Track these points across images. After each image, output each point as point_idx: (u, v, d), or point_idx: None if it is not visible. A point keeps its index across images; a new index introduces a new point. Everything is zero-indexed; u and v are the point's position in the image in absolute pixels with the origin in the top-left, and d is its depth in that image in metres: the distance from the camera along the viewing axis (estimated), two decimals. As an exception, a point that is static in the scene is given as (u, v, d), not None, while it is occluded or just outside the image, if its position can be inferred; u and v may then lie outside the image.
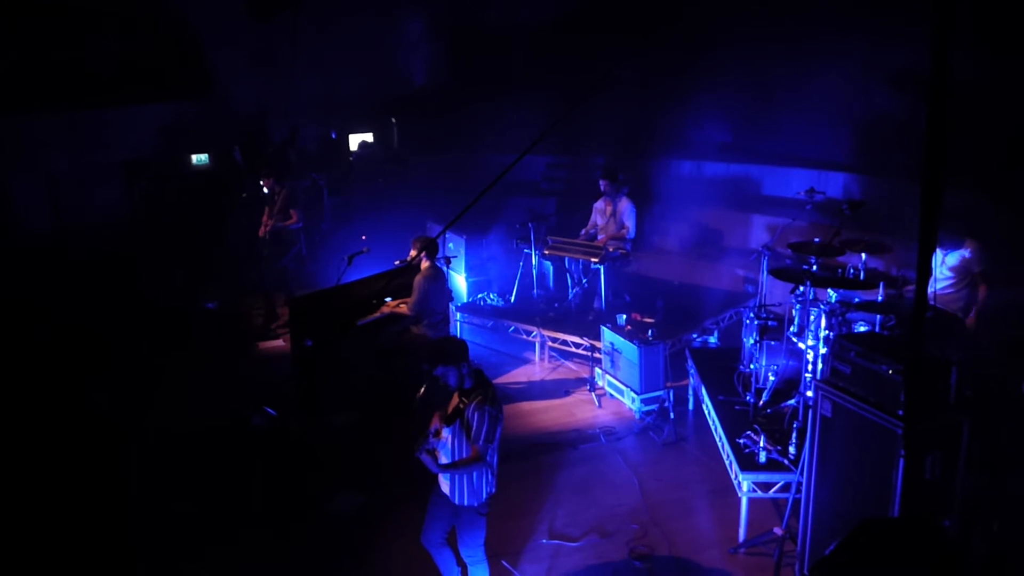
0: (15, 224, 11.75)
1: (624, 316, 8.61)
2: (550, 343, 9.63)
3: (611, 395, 8.63)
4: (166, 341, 9.55)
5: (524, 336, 9.82)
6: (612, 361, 8.53)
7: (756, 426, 6.56)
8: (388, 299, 8.56)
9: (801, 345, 6.68)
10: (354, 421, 8.06)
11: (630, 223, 9.87)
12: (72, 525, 6.22)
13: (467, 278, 10.63)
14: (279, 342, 10.07)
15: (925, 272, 2.81)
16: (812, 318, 6.55)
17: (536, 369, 9.57)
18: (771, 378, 7.11)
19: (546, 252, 10.00)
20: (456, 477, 4.93)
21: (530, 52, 13.58)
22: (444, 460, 4.93)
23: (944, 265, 7.10)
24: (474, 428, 4.83)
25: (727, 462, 6.54)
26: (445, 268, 8.95)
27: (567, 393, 8.85)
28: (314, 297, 8.65)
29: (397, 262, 9.14)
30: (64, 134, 12.32)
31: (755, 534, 6.07)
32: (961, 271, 7.06)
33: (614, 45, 12.44)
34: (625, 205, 9.93)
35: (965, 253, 7.03)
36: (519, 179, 13.56)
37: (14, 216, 11.82)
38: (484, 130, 13.03)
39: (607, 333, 8.55)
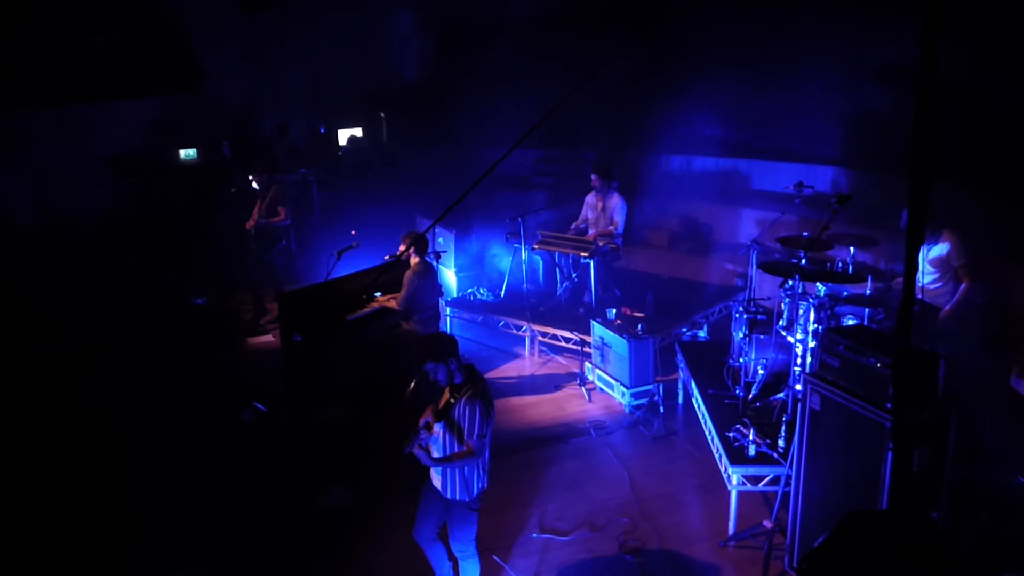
0: (2, 219, 11.68)
1: (614, 310, 8.62)
2: (540, 338, 9.63)
3: (601, 389, 8.64)
4: (154, 337, 9.51)
5: (514, 331, 9.81)
6: (602, 355, 8.55)
7: (745, 420, 6.58)
8: (378, 294, 8.55)
9: (790, 339, 6.70)
10: (345, 416, 8.05)
11: (619, 219, 9.87)
12: (62, 523, 6.19)
13: (457, 273, 10.62)
14: (268, 337, 10.04)
15: (912, 266, 2.82)
16: (801, 312, 6.56)
17: (526, 364, 9.57)
18: (760, 372, 7.13)
19: (536, 246, 9.99)
20: (448, 472, 4.94)
21: (520, 46, 13.57)
22: (436, 454, 4.93)
23: (926, 260, 7.12)
24: (466, 425, 4.84)
25: (717, 456, 6.56)
26: (435, 263, 8.94)
27: (557, 388, 8.86)
28: (303, 292, 8.63)
29: (387, 257, 9.13)
30: (52, 129, 12.25)
31: (744, 527, 6.09)
32: (942, 265, 7.09)
33: (604, 39, 12.44)
34: (616, 201, 9.94)
35: (944, 246, 7.06)
36: (509, 173, 13.58)
37: (1, 211, 11.74)
38: (474, 124, 13.02)
39: (597, 327, 8.56)
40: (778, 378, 7.02)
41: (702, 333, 9.60)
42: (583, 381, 8.80)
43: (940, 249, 7.07)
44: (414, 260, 8.19)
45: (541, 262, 10.52)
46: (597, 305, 9.44)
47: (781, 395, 6.81)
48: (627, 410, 8.18)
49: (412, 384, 5.12)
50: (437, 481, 5.03)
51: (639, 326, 8.25)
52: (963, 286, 7.01)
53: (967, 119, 8.00)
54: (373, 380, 8.12)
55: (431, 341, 5.14)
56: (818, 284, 6.75)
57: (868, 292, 6.80)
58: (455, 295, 10.52)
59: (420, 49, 15.81)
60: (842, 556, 2.35)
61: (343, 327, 8.26)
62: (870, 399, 4.79)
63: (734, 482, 6.09)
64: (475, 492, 5.01)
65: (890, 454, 4.54)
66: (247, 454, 7.30)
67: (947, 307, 7.03)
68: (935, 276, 7.13)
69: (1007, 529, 5.27)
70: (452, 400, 4.89)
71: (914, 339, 3.51)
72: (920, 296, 6.68)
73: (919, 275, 3.15)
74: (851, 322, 6.56)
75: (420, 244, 8.17)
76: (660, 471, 7.13)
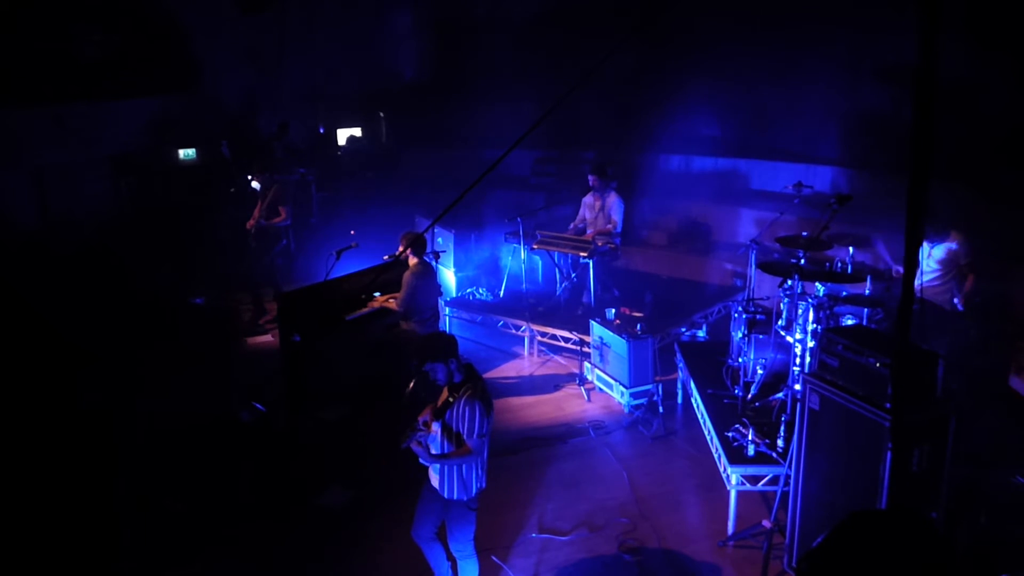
0: (1, 218, 11.66)
1: (613, 310, 8.61)
2: (539, 338, 9.63)
3: (600, 389, 8.64)
4: (153, 336, 9.50)
5: (513, 331, 9.81)
6: (601, 355, 8.54)
7: (744, 419, 6.57)
8: (377, 294, 8.54)
9: (789, 339, 6.70)
10: (343, 416, 8.04)
11: (617, 217, 9.86)
12: (58, 522, 6.19)
13: (456, 273, 10.62)
14: (267, 337, 10.04)
15: (912, 265, 2.81)
16: (800, 312, 6.56)
17: (525, 364, 9.57)
18: (759, 372, 7.13)
19: (535, 246, 9.99)
20: (446, 472, 4.93)
21: (519, 46, 13.57)
22: (435, 452, 4.93)
23: (931, 258, 7.16)
24: (465, 424, 4.83)
25: (716, 456, 6.56)
26: (434, 263, 8.93)
27: (556, 387, 8.86)
28: (302, 292, 8.62)
29: (386, 257, 9.12)
30: (51, 128, 12.23)
31: (744, 527, 6.09)
32: (948, 263, 7.13)
33: (603, 39, 12.44)
34: (613, 200, 9.93)
35: (951, 245, 7.10)
36: (508, 173, 13.59)
37: (0, 211, 11.73)
38: (473, 124, 13.02)
39: (596, 327, 8.56)
40: (777, 378, 7.02)
41: (701, 333, 9.60)
42: (582, 381, 8.79)
43: (945, 248, 7.11)
44: (412, 260, 8.17)
45: (540, 262, 10.52)
46: (596, 305, 9.44)
47: (780, 395, 6.81)
48: (626, 410, 8.17)
49: (411, 384, 5.12)
50: (435, 481, 5.03)
51: (638, 326, 8.25)
52: (970, 281, 7.08)
53: (967, 119, 8.00)
54: (372, 380, 8.12)
55: (431, 341, 5.13)
56: (817, 284, 6.75)
57: (867, 292, 6.80)
58: (454, 295, 10.51)
59: (419, 49, 15.82)
60: (841, 556, 2.35)
61: (342, 327, 8.25)
62: (869, 399, 4.79)
63: (733, 482, 6.09)
64: (473, 492, 5.00)
65: (889, 454, 4.54)
66: (246, 454, 7.30)
67: (955, 301, 7.10)
68: (937, 274, 7.16)
69: (1007, 529, 5.27)
70: (451, 400, 4.89)
71: (914, 338, 3.52)
72: (919, 295, 6.70)
73: (919, 274, 3.16)
74: (850, 322, 6.56)
75: (418, 244, 8.16)
76: (659, 471, 7.13)
